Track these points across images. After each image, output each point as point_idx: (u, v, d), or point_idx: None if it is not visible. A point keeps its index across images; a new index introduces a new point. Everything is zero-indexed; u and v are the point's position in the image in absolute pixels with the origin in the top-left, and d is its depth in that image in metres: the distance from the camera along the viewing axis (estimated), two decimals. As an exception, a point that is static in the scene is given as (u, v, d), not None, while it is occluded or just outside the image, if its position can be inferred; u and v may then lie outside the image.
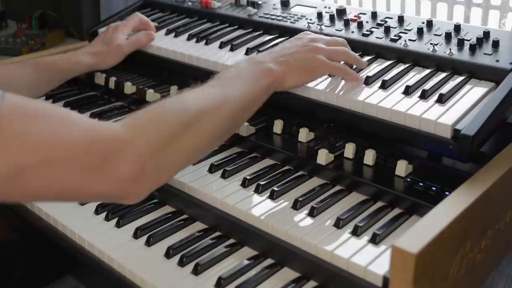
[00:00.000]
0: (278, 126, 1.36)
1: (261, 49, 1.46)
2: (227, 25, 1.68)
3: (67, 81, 1.80)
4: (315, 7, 1.59)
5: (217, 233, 1.15)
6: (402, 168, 1.15)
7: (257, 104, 1.14)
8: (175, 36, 1.67)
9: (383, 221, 1.06)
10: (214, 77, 1.12)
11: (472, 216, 0.95)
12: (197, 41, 1.60)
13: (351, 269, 0.96)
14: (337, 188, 1.18)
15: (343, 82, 1.27)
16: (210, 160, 1.29)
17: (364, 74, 1.29)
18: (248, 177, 1.20)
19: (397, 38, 1.36)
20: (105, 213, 1.22)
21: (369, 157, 1.20)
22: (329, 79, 1.29)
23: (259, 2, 1.71)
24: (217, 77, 1.12)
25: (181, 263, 1.06)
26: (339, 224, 1.04)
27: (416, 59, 1.31)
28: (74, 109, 1.61)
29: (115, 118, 1.54)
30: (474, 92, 1.18)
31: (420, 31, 1.36)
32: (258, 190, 1.17)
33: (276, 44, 1.47)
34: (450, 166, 1.15)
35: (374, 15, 1.48)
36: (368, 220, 1.05)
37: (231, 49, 1.51)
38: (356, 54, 1.30)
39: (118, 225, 1.19)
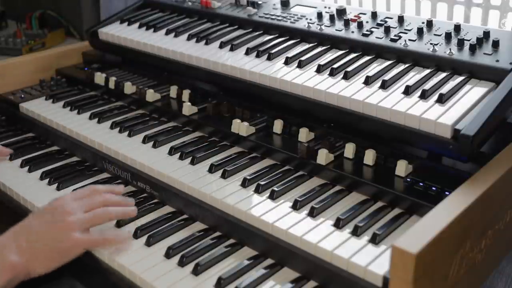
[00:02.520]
0: (278, 126, 1.36)
1: (261, 49, 1.46)
2: (227, 25, 1.68)
3: (67, 81, 1.81)
4: (315, 7, 1.59)
5: (217, 233, 1.15)
6: (402, 168, 1.15)
7: None
8: (175, 36, 1.67)
9: (383, 221, 1.06)
10: None
11: (472, 216, 0.95)
12: (197, 41, 1.60)
13: (351, 269, 0.96)
14: (337, 188, 1.18)
15: (343, 82, 1.28)
16: (210, 160, 1.29)
17: (364, 74, 1.29)
18: (248, 177, 1.20)
19: (397, 38, 1.36)
20: (105, 213, 1.22)
21: (369, 157, 1.20)
22: (329, 78, 1.30)
23: (259, 2, 1.71)
24: None
25: (181, 263, 1.06)
26: (339, 224, 1.04)
27: (416, 59, 1.31)
28: (74, 109, 1.61)
29: (115, 118, 1.54)
30: (474, 92, 1.18)
31: (420, 31, 1.36)
32: (258, 190, 1.17)
33: (277, 45, 1.48)
34: (450, 166, 1.15)
35: (374, 15, 1.48)
36: (368, 220, 1.05)
37: (231, 49, 1.51)
38: (122, 208, 1.15)
39: (118, 225, 1.19)
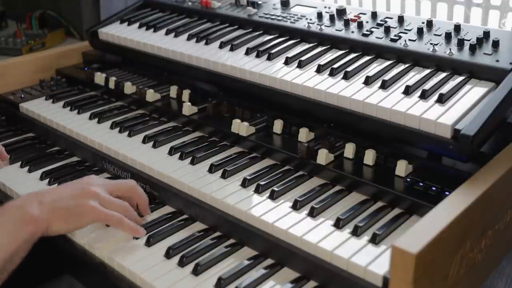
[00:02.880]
0: (278, 126, 1.36)
1: (261, 49, 1.46)
2: (227, 25, 1.68)
3: (67, 81, 1.81)
4: (315, 7, 1.59)
5: (217, 233, 1.15)
6: (402, 168, 1.15)
7: (19, 256, 1.05)
8: (175, 36, 1.67)
9: (383, 221, 1.06)
10: None
11: (472, 216, 0.95)
12: (197, 41, 1.60)
13: (351, 269, 0.96)
14: (337, 188, 1.18)
15: (343, 82, 1.28)
16: (210, 160, 1.29)
17: (364, 74, 1.29)
18: (248, 177, 1.20)
19: (397, 38, 1.36)
20: (105, 213, 1.22)
21: (369, 157, 1.20)
22: (329, 78, 1.30)
23: (259, 2, 1.71)
24: None
25: (181, 263, 1.06)
26: (339, 224, 1.04)
27: (416, 59, 1.31)
28: (74, 109, 1.61)
29: (115, 118, 1.54)
30: (474, 92, 1.18)
31: (420, 31, 1.36)
32: (258, 190, 1.17)
33: (277, 45, 1.48)
34: (450, 166, 1.15)
35: (374, 15, 1.48)
36: (368, 220, 1.05)
37: (231, 49, 1.51)
38: (143, 198, 1.20)
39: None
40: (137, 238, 1.13)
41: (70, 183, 1.19)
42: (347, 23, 1.47)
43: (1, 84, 1.77)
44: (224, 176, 1.23)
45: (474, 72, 1.22)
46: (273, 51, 1.44)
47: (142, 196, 1.20)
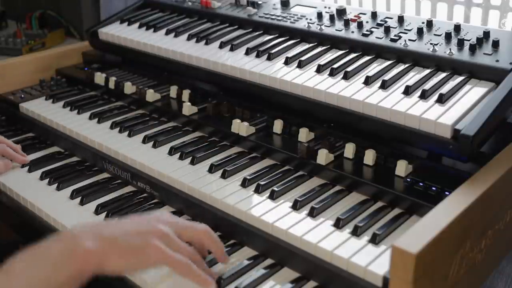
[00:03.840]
0: (278, 126, 1.36)
1: (261, 49, 1.46)
2: (227, 25, 1.68)
3: (67, 81, 1.81)
4: (315, 7, 1.59)
5: (217, 233, 1.15)
6: (402, 168, 1.15)
7: None
8: (175, 36, 1.67)
9: (383, 221, 1.06)
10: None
11: (472, 216, 0.95)
12: (197, 41, 1.60)
13: (351, 269, 0.96)
14: (337, 188, 1.18)
15: (343, 82, 1.28)
16: (210, 160, 1.29)
17: (364, 74, 1.29)
18: (248, 177, 1.20)
19: (397, 38, 1.36)
20: (105, 213, 1.22)
21: (369, 157, 1.20)
22: (329, 78, 1.30)
23: (259, 2, 1.71)
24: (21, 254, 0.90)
25: (181, 263, 1.06)
26: (339, 224, 1.04)
27: (416, 59, 1.31)
28: (74, 109, 1.61)
29: (115, 118, 1.54)
30: (474, 92, 1.18)
31: (420, 31, 1.36)
32: (258, 190, 1.17)
33: (277, 45, 1.48)
34: (450, 166, 1.15)
35: (374, 15, 1.48)
36: (368, 220, 1.05)
37: (231, 49, 1.51)
38: (217, 244, 1.03)
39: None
40: None
41: (136, 217, 1.04)
42: (347, 23, 1.47)
43: (1, 84, 1.77)
44: (224, 176, 1.23)
45: (474, 72, 1.22)
46: (273, 51, 1.44)
47: (216, 243, 1.04)
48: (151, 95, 1.58)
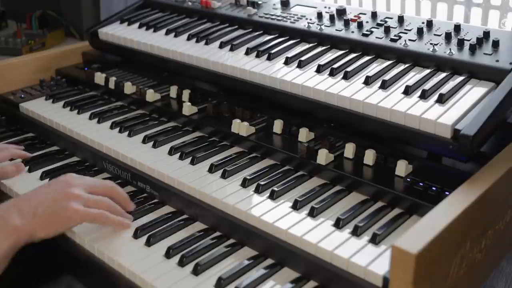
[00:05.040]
0: (278, 126, 1.36)
1: (261, 49, 1.46)
2: (227, 25, 1.68)
3: (67, 81, 1.81)
4: (315, 7, 1.60)
5: (217, 233, 1.15)
6: (402, 168, 1.15)
7: (1, 268, 1.04)
8: (175, 36, 1.67)
9: (383, 221, 1.06)
10: None
11: (472, 216, 0.95)
12: (197, 41, 1.60)
13: (351, 269, 0.96)
14: (337, 188, 1.18)
15: (343, 82, 1.28)
16: (210, 160, 1.29)
17: (364, 74, 1.29)
18: (248, 177, 1.20)
19: (397, 38, 1.36)
20: (105, 213, 1.22)
21: (369, 157, 1.20)
22: (329, 78, 1.30)
23: (259, 2, 1.71)
24: None
25: (181, 263, 1.06)
26: (339, 224, 1.04)
27: (416, 59, 1.31)
28: (74, 109, 1.62)
29: (115, 118, 1.54)
30: (474, 92, 1.18)
31: (420, 31, 1.36)
32: (258, 190, 1.17)
33: (277, 45, 1.48)
34: (450, 166, 1.15)
35: (374, 15, 1.48)
36: (368, 220, 1.05)
37: (231, 49, 1.51)
38: (123, 196, 1.20)
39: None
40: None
41: (47, 184, 1.16)
42: (347, 23, 1.47)
43: (1, 84, 1.77)
44: (224, 176, 1.23)
45: (474, 72, 1.22)
46: (273, 51, 1.44)
47: (122, 195, 1.20)
48: (151, 95, 1.58)
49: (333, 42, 1.45)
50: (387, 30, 1.40)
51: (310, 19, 1.54)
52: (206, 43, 1.58)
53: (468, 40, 1.28)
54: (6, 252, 1.03)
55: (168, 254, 1.08)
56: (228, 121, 1.40)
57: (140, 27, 1.78)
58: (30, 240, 1.07)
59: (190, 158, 1.30)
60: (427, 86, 1.20)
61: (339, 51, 1.42)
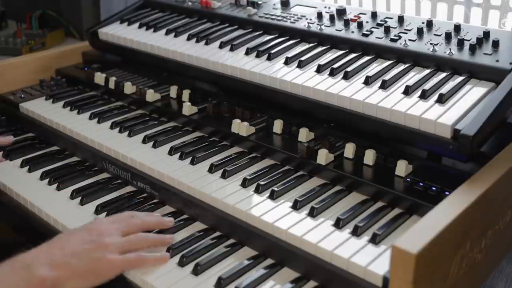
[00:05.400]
0: (278, 126, 1.36)
1: (261, 49, 1.46)
2: (227, 25, 1.68)
3: (67, 81, 1.81)
4: (315, 7, 1.59)
5: (217, 233, 1.15)
6: (402, 168, 1.15)
7: None
8: (175, 36, 1.67)
9: (383, 221, 1.06)
10: None
11: (472, 216, 0.95)
12: (197, 41, 1.60)
13: (351, 269, 0.96)
14: (337, 188, 1.18)
15: (343, 82, 1.28)
16: (210, 160, 1.29)
17: (364, 74, 1.29)
18: (248, 177, 1.20)
19: (397, 38, 1.36)
20: (105, 213, 1.22)
21: (369, 157, 1.20)
22: (329, 78, 1.30)
23: (259, 2, 1.71)
24: None
25: (181, 263, 1.06)
26: (339, 224, 1.04)
27: (416, 59, 1.31)
28: (74, 109, 1.62)
29: (115, 118, 1.54)
30: (474, 92, 1.18)
31: (420, 31, 1.36)
32: (258, 190, 1.17)
33: (277, 45, 1.48)
34: (450, 166, 1.15)
35: (374, 15, 1.48)
36: (368, 220, 1.05)
37: (231, 49, 1.51)
38: (160, 235, 1.12)
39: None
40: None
41: (79, 232, 1.07)
42: (347, 23, 1.47)
43: (1, 84, 1.77)
44: (224, 176, 1.23)
45: (474, 72, 1.22)
46: (273, 51, 1.44)
47: (156, 223, 1.15)
48: (151, 95, 1.58)
49: (333, 42, 1.45)
50: (387, 30, 1.40)
51: (310, 19, 1.54)
52: (206, 43, 1.58)
53: (468, 40, 1.28)
54: None
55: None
56: (228, 121, 1.40)
57: (140, 27, 1.78)
58: None
59: (190, 158, 1.30)
60: (427, 86, 1.20)
61: (339, 51, 1.42)
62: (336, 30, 1.46)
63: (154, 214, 1.19)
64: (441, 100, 1.15)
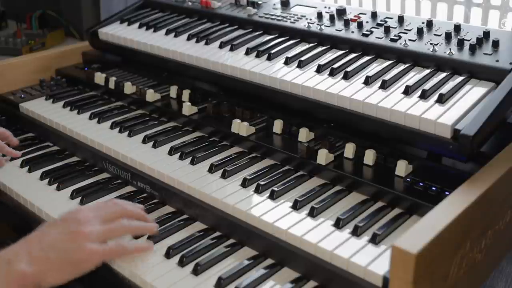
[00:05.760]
0: (278, 126, 1.36)
1: (261, 49, 1.46)
2: (227, 25, 1.68)
3: (67, 81, 1.81)
4: (315, 7, 1.59)
5: (217, 233, 1.15)
6: (402, 168, 1.15)
7: None
8: (175, 36, 1.67)
9: (383, 221, 1.06)
10: None
11: (472, 216, 0.95)
12: (197, 41, 1.60)
13: (351, 269, 0.96)
14: (337, 188, 1.18)
15: (343, 82, 1.28)
16: (210, 160, 1.29)
17: (364, 74, 1.29)
18: (248, 177, 1.20)
19: (397, 38, 1.36)
20: (105, 213, 1.22)
21: (369, 157, 1.20)
22: (329, 78, 1.30)
23: (259, 2, 1.71)
24: None
25: (181, 263, 1.06)
26: (339, 224, 1.04)
27: (416, 59, 1.31)
28: (74, 109, 1.62)
29: (115, 118, 1.54)
30: (474, 92, 1.18)
31: (420, 31, 1.36)
32: (258, 190, 1.17)
33: (277, 45, 1.48)
34: (450, 166, 1.15)
35: (374, 15, 1.48)
36: (368, 220, 1.05)
37: (231, 49, 1.51)
38: (142, 222, 1.10)
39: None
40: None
41: (58, 223, 1.04)
42: (347, 23, 1.47)
43: (1, 84, 1.77)
44: (224, 176, 1.23)
45: (474, 72, 1.22)
46: (273, 51, 1.44)
47: (137, 213, 1.12)
48: (151, 95, 1.58)
49: (333, 42, 1.45)
50: (387, 30, 1.40)
51: (310, 19, 1.54)
52: (206, 43, 1.58)
53: (468, 40, 1.28)
54: None
55: (168, 254, 1.08)
56: (228, 121, 1.40)
57: (140, 27, 1.78)
58: (38, 287, 0.97)
59: (190, 158, 1.30)
60: (427, 86, 1.20)
61: (339, 51, 1.42)
62: (336, 30, 1.46)
63: (138, 206, 1.15)
64: (441, 100, 1.15)
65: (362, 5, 1.79)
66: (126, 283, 1.06)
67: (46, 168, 1.42)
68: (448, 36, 1.31)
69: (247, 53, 1.47)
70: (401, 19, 1.43)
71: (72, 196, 1.29)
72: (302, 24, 1.53)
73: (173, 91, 1.60)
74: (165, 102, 1.57)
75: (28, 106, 1.66)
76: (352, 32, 1.44)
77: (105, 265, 1.10)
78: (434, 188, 1.09)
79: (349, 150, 1.23)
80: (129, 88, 1.64)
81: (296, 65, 1.37)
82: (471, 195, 0.95)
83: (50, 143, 1.57)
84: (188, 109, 1.48)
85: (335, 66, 1.32)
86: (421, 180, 1.12)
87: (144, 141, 1.41)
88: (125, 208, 1.10)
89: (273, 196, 1.14)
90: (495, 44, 1.24)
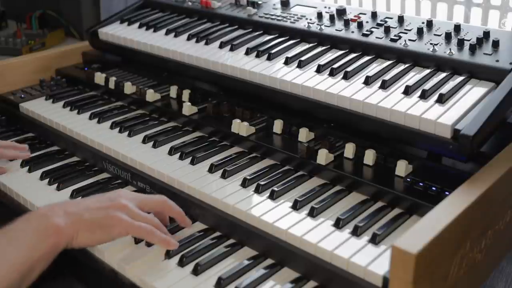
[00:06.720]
0: (278, 126, 1.36)
1: (261, 49, 1.46)
2: (227, 25, 1.68)
3: (67, 81, 1.81)
4: (315, 7, 1.60)
5: (217, 233, 1.15)
6: (402, 168, 1.15)
7: (39, 269, 0.99)
8: (175, 36, 1.67)
9: (383, 221, 1.06)
10: None
11: (472, 216, 0.95)
12: (197, 41, 1.60)
13: (351, 269, 0.96)
14: (337, 188, 1.18)
15: (343, 82, 1.28)
16: (210, 160, 1.29)
17: (364, 74, 1.29)
18: (248, 177, 1.20)
19: (397, 38, 1.36)
20: (105, 213, 1.22)
21: (369, 157, 1.20)
22: (329, 78, 1.30)
23: (259, 2, 1.71)
24: None
25: (181, 263, 1.06)
26: (339, 224, 1.04)
27: (416, 59, 1.31)
28: (74, 109, 1.62)
29: (115, 118, 1.54)
30: (474, 92, 1.18)
31: (420, 31, 1.36)
32: (258, 190, 1.17)
33: (277, 45, 1.48)
34: (450, 166, 1.15)
35: (374, 15, 1.48)
36: (368, 220, 1.05)
37: (231, 49, 1.51)
38: (168, 236, 1.09)
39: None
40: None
41: (98, 195, 1.13)
42: (347, 23, 1.47)
43: (1, 84, 1.77)
44: (224, 176, 1.23)
45: (474, 72, 1.22)
46: (273, 51, 1.44)
47: (175, 209, 1.15)
48: (151, 95, 1.58)
49: (333, 42, 1.45)
50: (387, 30, 1.40)
51: (310, 19, 1.54)
52: (206, 43, 1.58)
53: (468, 40, 1.28)
54: (46, 252, 0.98)
55: (168, 254, 1.08)
56: (228, 121, 1.40)
57: (140, 27, 1.78)
58: (70, 244, 1.02)
59: (190, 158, 1.30)
60: (427, 86, 1.20)
61: (339, 51, 1.42)
62: (336, 30, 1.46)
63: (186, 220, 1.17)
64: (441, 100, 1.15)
65: (362, 5, 1.80)
66: (126, 282, 1.06)
67: (46, 168, 1.42)
68: (448, 36, 1.31)
69: (247, 53, 1.48)
70: (401, 19, 1.43)
71: (72, 196, 1.29)
72: (302, 24, 1.53)
73: (173, 91, 1.60)
74: (165, 102, 1.57)
75: (28, 106, 1.66)
76: (352, 32, 1.44)
77: (106, 265, 1.10)
78: (434, 188, 1.09)
79: (349, 150, 1.23)
80: (129, 88, 1.64)
81: (296, 65, 1.37)
82: (471, 195, 0.95)
83: (50, 143, 1.57)
84: (188, 109, 1.48)
85: (335, 66, 1.32)
86: (421, 180, 1.12)
87: (144, 141, 1.41)
88: (165, 201, 1.14)
89: (273, 196, 1.14)
90: (495, 44, 1.24)
